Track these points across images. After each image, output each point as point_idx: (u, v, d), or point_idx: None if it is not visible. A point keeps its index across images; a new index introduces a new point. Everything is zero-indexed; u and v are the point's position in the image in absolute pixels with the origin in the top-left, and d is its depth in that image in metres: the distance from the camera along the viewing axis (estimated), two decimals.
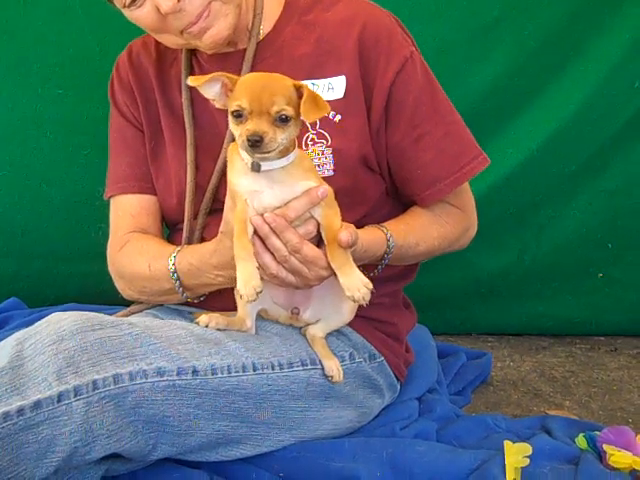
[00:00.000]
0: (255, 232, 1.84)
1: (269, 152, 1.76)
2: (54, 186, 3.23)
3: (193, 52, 2.25)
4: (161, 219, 2.34)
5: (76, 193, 3.23)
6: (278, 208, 1.84)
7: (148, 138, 2.29)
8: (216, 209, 2.17)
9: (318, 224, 1.87)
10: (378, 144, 2.13)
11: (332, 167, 2.09)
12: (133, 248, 2.24)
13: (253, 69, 2.14)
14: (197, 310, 2.24)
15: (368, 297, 1.83)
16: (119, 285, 2.31)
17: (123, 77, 2.33)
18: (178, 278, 2.09)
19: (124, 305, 2.47)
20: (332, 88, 2.10)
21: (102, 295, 3.04)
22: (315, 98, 1.78)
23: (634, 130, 3.34)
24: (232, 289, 2.04)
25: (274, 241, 1.83)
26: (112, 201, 2.37)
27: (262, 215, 1.82)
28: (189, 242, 2.21)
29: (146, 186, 2.30)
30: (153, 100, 2.29)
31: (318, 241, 1.90)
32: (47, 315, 2.88)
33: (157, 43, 2.29)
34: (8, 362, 1.72)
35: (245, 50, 2.16)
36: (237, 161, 1.86)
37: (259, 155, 1.77)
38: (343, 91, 2.10)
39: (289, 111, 1.75)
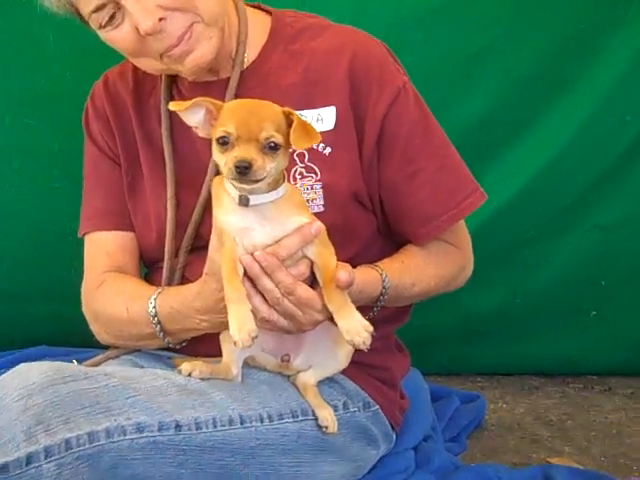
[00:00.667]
0: (245, 272, 1.69)
1: (257, 182, 1.62)
2: (23, 222, 3.06)
3: (173, 80, 2.11)
4: (139, 257, 2.19)
5: (46, 230, 3.06)
6: (269, 246, 1.69)
7: (125, 171, 2.15)
8: (198, 246, 2.03)
9: (311, 264, 1.73)
10: (370, 179, 2.01)
11: (322, 202, 1.96)
12: (109, 289, 2.09)
13: (237, 98, 2.00)
14: (178, 356, 2.08)
15: (369, 341, 1.69)
16: (94, 328, 2.16)
17: (98, 106, 2.19)
18: (159, 322, 1.94)
19: (99, 348, 2.31)
20: (321, 119, 1.97)
21: (75, 337, 2.86)
22: (305, 126, 1.66)
23: (627, 163, 3.27)
24: (217, 333, 1.90)
25: (266, 282, 1.69)
26: (86, 238, 2.22)
27: (252, 254, 1.68)
28: (169, 282, 2.07)
29: (122, 222, 2.16)
30: (130, 131, 2.14)
31: (311, 282, 1.76)
32: (16, 357, 2.81)
33: (135, 72, 2.16)
34: None
35: (228, 79, 2.03)
36: (224, 196, 1.72)
37: (247, 186, 1.63)
38: (333, 122, 1.97)
39: (278, 138, 1.62)
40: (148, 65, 1.99)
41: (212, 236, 1.77)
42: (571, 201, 3.27)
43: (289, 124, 1.64)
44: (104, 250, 2.15)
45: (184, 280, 2.05)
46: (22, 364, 1.72)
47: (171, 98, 2.10)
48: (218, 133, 1.62)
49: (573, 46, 3.12)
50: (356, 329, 1.68)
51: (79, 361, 2.17)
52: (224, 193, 1.71)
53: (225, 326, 1.72)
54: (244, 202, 1.67)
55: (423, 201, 2.01)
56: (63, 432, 1.58)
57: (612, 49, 3.12)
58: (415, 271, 2.01)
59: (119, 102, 2.16)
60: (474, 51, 3.10)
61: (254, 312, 1.69)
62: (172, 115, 2.07)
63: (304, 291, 1.71)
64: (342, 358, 1.92)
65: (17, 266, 3.09)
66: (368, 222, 2.05)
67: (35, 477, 1.54)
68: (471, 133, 3.13)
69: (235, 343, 1.63)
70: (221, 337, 1.89)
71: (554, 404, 3.24)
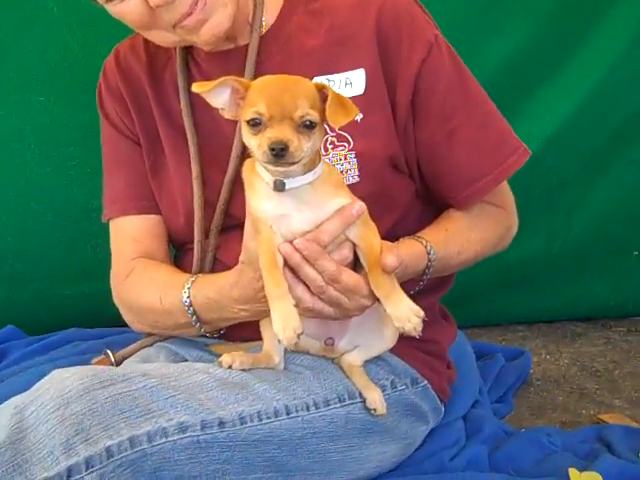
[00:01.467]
0: (285, 262, 1.60)
1: (294, 163, 1.51)
2: (44, 202, 2.98)
3: (188, 51, 2.00)
4: (167, 241, 2.11)
5: (68, 208, 2.98)
6: (308, 232, 1.59)
7: (146, 152, 2.05)
8: (229, 226, 1.95)
9: (354, 246, 1.63)
10: (406, 142, 1.89)
11: (357, 173, 1.86)
12: (140, 277, 2.01)
13: (258, 66, 1.90)
14: (214, 341, 2.01)
15: (420, 327, 1.60)
16: (127, 317, 2.09)
17: (112, 84, 2.08)
18: (194, 312, 1.86)
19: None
20: (350, 83, 1.86)
21: (104, 317, 2.81)
22: (342, 100, 1.53)
23: None
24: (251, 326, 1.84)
25: (308, 271, 1.59)
26: (112, 224, 2.12)
27: (291, 242, 1.58)
28: (201, 264, 1.98)
29: (148, 205, 2.06)
30: (148, 108, 2.04)
31: (354, 265, 1.66)
32: (49, 342, 2.76)
33: (146, 44, 2.05)
34: (7, 436, 1.51)
35: (247, 46, 1.91)
36: (256, 182, 1.61)
37: (283, 169, 1.52)
38: (363, 86, 1.85)
39: (314, 116, 1.50)
40: (160, 38, 1.88)
41: (246, 223, 1.68)
42: (607, 139, 3.17)
43: (323, 99, 1.53)
44: (130, 236, 2.06)
45: (216, 262, 1.98)
46: (55, 371, 1.65)
47: (187, 70, 2.00)
48: (248, 114, 1.51)
49: None
50: (406, 315, 1.59)
51: (113, 351, 2.10)
52: (256, 178, 1.61)
53: (265, 314, 1.66)
54: (280, 187, 1.57)
55: (464, 162, 1.90)
56: (103, 440, 1.52)
57: None
58: (460, 238, 1.91)
59: (133, 78, 2.05)
60: None
61: (297, 302, 1.61)
62: (190, 90, 1.98)
63: (349, 277, 1.61)
64: (389, 337, 1.83)
65: (40, 247, 3.00)
66: (406, 187, 1.95)
67: None
68: (500, 76, 3.03)
69: (279, 341, 1.55)
70: (261, 324, 1.82)
71: (599, 352, 3.16)
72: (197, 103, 1.95)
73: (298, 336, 1.54)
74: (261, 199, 1.60)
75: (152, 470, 1.56)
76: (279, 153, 1.47)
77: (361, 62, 1.86)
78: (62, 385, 1.57)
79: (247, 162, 1.66)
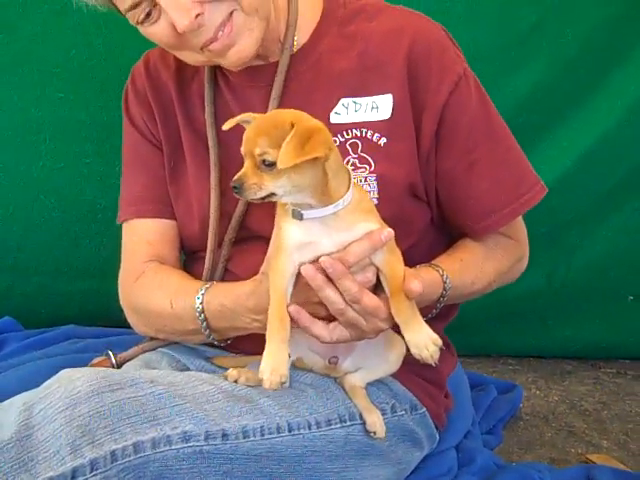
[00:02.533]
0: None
1: (253, 199, 1.56)
2: (53, 197, 2.98)
3: (217, 65, 2.01)
4: (180, 247, 2.12)
5: (77, 204, 2.99)
6: (334, 253, 1.62)
7: (167, 157, 2.07)
8: (243, 238, 1.96)
9: (377, 271, 1.66)
10: (427, 171, 1.92)
11: (376, 195, 1.87)
12: (151, 281, 2.01)
13: (287, 84, 1.93)
14: (216, 353, 2.02)
15: (437, 355, 1.64)
16: (132, 320, 2.09)
17: (139, 89, 2.10)
18: (205, 319, 1.87)
19: (128, 327, 2.25)
20: (376, 107, 1.88)
21: (104, 316, 2.84)
22: (303, 139, 1.51)
23: None
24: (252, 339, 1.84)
25: (328, 293, 1.62)
26: (125, 225, 2.13)
27: (317, 261, 1.60)
28: (211, 274, 1.99)
29: (164, 209, 2.08)
30: (173, 116, 2.06)
31: (374, 289, 1.69)
32: (45, 337, 2.76)
33: None
34: (15, 432, 1.51)
35: (277, 63, 1.94)
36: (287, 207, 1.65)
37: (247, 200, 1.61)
38: (390, 111, 1.87)
39: (271, 155, 1.52)
40: (190, 58, 1.90)
41: (273, 235, 1.70)
42: (613, 185, 3.19)
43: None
44: (144, 239, 2.07)
45: (227, 273, 1.99)
46: (64, 371, 1.66)
47: (215, 83, 2.02)
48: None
49: (626, 20, 3.00)
50: (425, 343, 1.63)
51: (114, 352, 2.11)
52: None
53: None
54: (297, 216, 1.60)
55: (483, 194, 1.93)
56: (109, 444, 1.53)
57: None
58: (474, 269, 1.94)
59: (161, 85, 2.08)
60: (522, 27, 2.99)
61: (317, 338, 1.67)
62: (216, 100, 2.00)
63: (370, 299, 1.64)
64: (394, 361, 1.86)
65: (46, 242, 3.01)
66: (423, 214, 1.97)
67: None
68: (518, 113, 3.04)
69: (263, 382, 1.58)
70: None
71: (588, 391, 3.18)
72: (221, 115, 1.97)
73: (281, 385, 1.57)
74: (292, 224, 1.62)
75: (154, 477, 1.57)
76: (236, 190, 1.54)
77: (389, 88, 1.88)
78: (71, 386, 1.58)
79: None
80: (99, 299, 2.96)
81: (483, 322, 3.32)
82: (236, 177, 1.53)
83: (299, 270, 1.62)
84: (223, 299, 1.84)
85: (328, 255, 1.60)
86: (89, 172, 2.96)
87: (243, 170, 1.54)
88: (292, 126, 1.52)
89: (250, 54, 1.85)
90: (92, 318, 2.92)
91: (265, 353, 1.59)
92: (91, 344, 2.60)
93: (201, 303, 1.86)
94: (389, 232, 1.62)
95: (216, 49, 1.82)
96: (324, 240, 1.61)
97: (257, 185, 1.53)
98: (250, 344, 1.92)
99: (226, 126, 1.63)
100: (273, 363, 1.58)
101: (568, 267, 3.28)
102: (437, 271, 1.82)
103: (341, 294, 1.62)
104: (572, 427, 2.83)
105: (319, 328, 1.66)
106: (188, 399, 1.66)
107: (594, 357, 3.48)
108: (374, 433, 1.85)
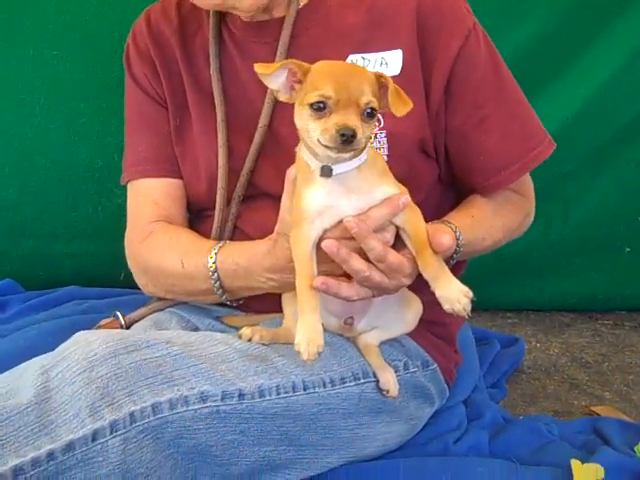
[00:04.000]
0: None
1: (358, 150, 1.52)
2: (49, 157, 2.94)
3: (222, 18, 1.98)
4: (186, 206, 2.09)
5: (73, 165, 2.95)
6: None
7: (172, 115, 2.03)
8: (251, 195, 1.95)
9: (397, 230, 1.65)
10: (437, 127, 1.90)
11: (386, 152, 1.85)
12: (160, 240, 1.99)
13: (293, 40, 1.89)
14: (227, 312, 2.01)
15: (469, 308, 1.62)
16: (141, 281, 2.07)
17: (141, 47, 2.06)
18: (219, 278, 1.85)
19: (130, 287, 2.25)
20: (386, 63, 1.85)
21: (102, 277, 2.82)
22: (399, 91, 1.55)
23: None
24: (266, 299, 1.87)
25: (353, 264, 1.60)
26: (130, 185, 2.10)
27: (343, 222, 1.59)
28: (220, 232, 1.98)
29: (170, 169, 2.05)
30: (177, 73, 2.02)
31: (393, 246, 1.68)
32: (47, 299, 2.74)
33: (178, 9, 2.04)
34: (34, 395, 1.49)
35: (283, 18, 1.90)
36: (306, 169, 1.60)
37: (347, 155, 1.53)
38: (400, 67, 1.85)
39: (376, 104, 1.50)
40: None
41: (284, 196, 1.68)
42: (609, 137, 3.20)
43: (380, 88, 1.54)
44: (151, 199, 2.04)
45: (236, 231, 1.97)
46: (79, 333, 1.65)
47: (220, 37, 1.98)
48: (312, 97, 1.49)
49: None
50: (456, 296, 1.61)
51: (122, 313, 2.09)
52: (307, 167, 1.60)
53: (292, 287, 1.66)
54: (327, 172, 1.56)
55: (492, 150, 1.91)
56: (128, 405, 1.51)
57: None
58: (485, 225, 1.93)
59: (163, 42, 2.03)
60: None
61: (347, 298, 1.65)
62: (221, 56, 1.97)
63: (394, 256, 1.62)
64: (410, 320, 1.85)
65: (43, 203, 2.98)
66: (431, 171, 1.96)
67: (100, 453, 1.47)
68: (514, 67, 2.90)
69: (300, 354, 1.56)
70: (284, 299, 1.82)
71: (588, 343, 3.20)
72: (227, 72, 1.95)
73: (319, 354, 1.56)
74: (312, 189, 1.59)
75: (172, 437, 1.55)
76: (349, 139, 1.46)
77: (399, 43, 1.85)
78: (88, 348, 1.56)
79: (300, 148, 1.64)
80: (97, 261, 2.95)
81: (481, 276, 3.25)
82: (345, 125, 1.46)
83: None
84: (237, 258, 1.82)
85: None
86: (85, 132, 2.91)
87: (352, 119, 1.47)
88: (377, 78, 1.53)
89: (267, 0, 1.82)
90: (90, 280, 2.89)
91: (299, 324, 1.58)
92: (96, 305, 2.58)
93: (214, 262, 1.85)
94: (406, 197, 1.61)
95: None
96: (344, 203, 1.59)
97: (364, 134, 1.49)
98: (262, 304, 1.92)
99: (260, 70, 1.55)
100: (308, 334, 1.56)
101: (564, 220, 3.30)
102: (450, 227, 1.81)
103: (363, 261, 1.61)
104: (574, 379, 2.85)
105: (346, 290, 1.64)
106: (204, 359, 1.65)
107: (591, 309, 3.51)
108: (387, 391, 1.85)
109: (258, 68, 1.55)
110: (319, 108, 1.49)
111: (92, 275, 2.92)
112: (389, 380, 1.85)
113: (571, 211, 3.30)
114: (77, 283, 2.88)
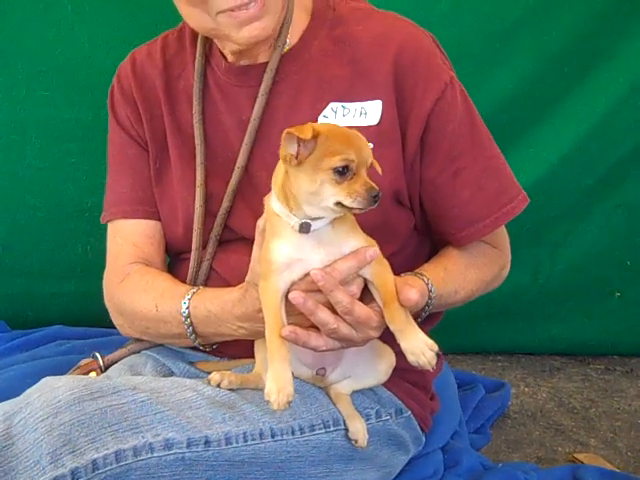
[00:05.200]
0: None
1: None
2: (39, 196, 2.98)
3: (207, 61, 2.01)
4: (165, 249, 2.10)
5: (62, 204, 2.98)
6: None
7: (152, 158, 2.05)
8: (227, 239, 1.96)
9: (364, 283, 1.66)
10: (412, 178, 1.91)
11: None
12: (136, 283, 2.00)
13: (275, 84, 1.92)
14: (201, 357, 2.02)
15: (434, 361, 1.62)
16: (117, 321, 2.08)
17: (126, 89, 2.08)
18: (191, 324, 1.86)
19: (114, 328, 2.24)
20: (365, 113, 1.87)
21: (90, 317, 2.82)
22: None
23: None
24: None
25: (320, 316, 1.62)
26: (110, 225, 2.12)
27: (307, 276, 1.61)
28: (196, 274, 1.99)
29: (150, 210, 2.07)
30: (159, 116, 2.04)
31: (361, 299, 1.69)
32: (32, 338, 2.75)
33: (163, 52, 2.07)
34: None
35: (266, 64, 1.92)
36: (279, 224, 1.62)
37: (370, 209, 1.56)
38: (379, 117, 1.86)
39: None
40: (198, 20, 1.86)
41: (254, 246, 1.70)
42: (595, 181, 3.22)
43: None
44: (130, 240, 2.06)
45: (212, 273, 1.98)
46: (45, 379, 1.65)
47: (204, 81, 2.00)
48: (336, 162, 1.51)
49: (609, 17, 3.02)
50: (421, 349, 1.61)
51: (101, 354, 2.10)
52: (280, 221, 1.62)
53: (262, 334, 1.67)
54: (306, 229, 1.59)
55: (466, 203, 1.92)
56: (90, 452, 1.51)
57: None
58: (458, 277, 1.93)
59: (147, 85, 2.06)
60: (504, 24, 3.00)
61: (315, 349, 1.67)
62: (204, 99, 1.99)
63: (362, 310, 1.63)
64: (382, 371, 1.86)
65: (32, 242, 3.00)
66: (406, 220, 1.97)
67: None
68: (501, 110, 3.07)
69: (270, 403, 1.56)
70: (256, 344, 1.83)
71: (576, 388, 3.19)
72: (208, 114, 1.97)
73: (289, 403, 1.56)
74: (282, 242, 1.61)
75: None
76: (377, 198, 1.52)
77: (378, 94, 1.87)
78: (52, 394, 1.56)
79: (268, 198, 1.66)
80: (86, 300, 2.93)
81: (471, 320, 3.32)
82: (374, 186, 1.53)
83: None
84: (209, 305, 1.83)
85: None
86: (75, 172, 2.94)
87: (368, 179, 1.54)
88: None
89: (266, 35, 1.85)
90: (79, 320, 2.90)
91: (269, 374, 1.58)
92: (77, 345, 2.60)
93: (187, 308, 1.86)
94: (374, 251, 1.62)
95: (241, 17, 1.79)
96: (313, 256, 1.61)
97: None
98: (235, 349, 1.93)
99: (306, 134, 1.52)
100: (278, 383, 1.57)
101: (553, 264, 3.30)
102: (422, 279, 1.81)
103: (331, 313, 1.62)
104: (560, 425, 2.84)
105: (315, 340, 1.65)
106: (170, 406, 1.65)
107: (583, 353, 3.49)
108: (355, 441, 1.85)
109: (296, 131, 1.52)
110: (343, 172, 1.52)
111: (80, 315, 2.93)
112: (358, 430, 1.85)
113: (559, 255, 3.30)
114: (65, 322, 2.90)
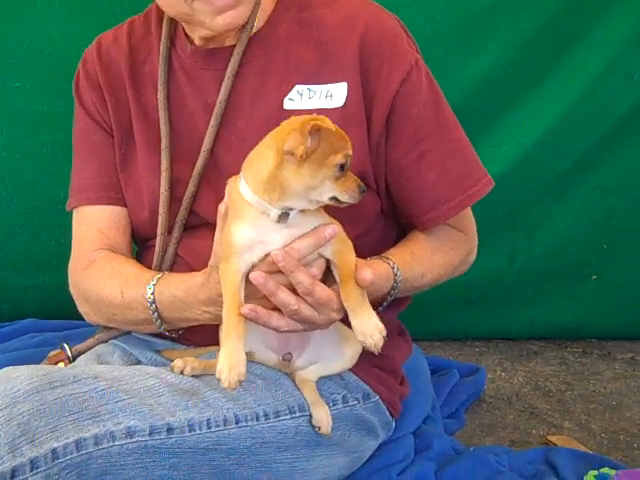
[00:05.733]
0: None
1: None
2: (10, 188, 2.98)
3: (172, 45, 2.00)
4: (131, 234, 2.10)
5: (36, 196, 2.98)
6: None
7: (118, 143, 2.04)
8: (192, 225, 1.96)
9: (326, 263, 1.68)
10: (377, 160, 1.91)
11: None
12: (102, 269, 1.99)
13: (242, 67, 1.91)
14: (168, 345, 2.02)
15: (381, 344, 1.64)
16: (82, 308, 2.08)
17: (91, 74, 2.07)
18: (157, 309, 1.86)
19: None
20: (330, 95, 1.86)
21: (64, 309, 2.79)
22: None
23: (631, 125, 3.23)
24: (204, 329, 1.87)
25: (281, 297, 1.62)
26: (76, 212, 2.11)
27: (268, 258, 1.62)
28: (162, 259, 1.98)
29: (116, 197, 2.05)
30: (124, 101, 2.03)
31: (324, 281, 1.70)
32: (5, 331, 2.74)
33: (129, 36, 2.05)
34: None
35: (233, 47, 1.91)
36: (245, 208, 1.62)
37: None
38: (344, 99, 1.86)
39: None
40: (173, 4, 1.85)
41: (217, 230, 1.70)
42: (571, 164, 3.23)
43: None
44: (95, 227, 2.05)
45: (177, 259, 1.98)
46: (4, 369, 1.64)
47: (169, 65, 1.99)
48: (340, 159, 1.56)
49: (579, 5, 3.04)
50: (370, 331, 1.63)
51: (70, 345, 2.09)
52: (245, 205, 1.62)
53: None
54: (284, 219, 1.61)
55: (431, 185, 1.92)
56: (50, 442, 1.51)
57: (619, 8, 3.05)
58: (425, 261, 1.94)
59: (113, 70, 2.05)
60: (478, 8, 3.02)
61: (276, 329, 1.67)
62: (169, 83, 1.99)
63: (322, 290, 1.64)
64: (349, 357, 1.87)
65: (5, 235, 3.00)
66: (372, 203, 1.96)
67: None
68: (475, 95, 3.08)
69: (220, 381, 1.57)
70: (221, 330, 1.82)
71: (553, 372, 3.20)
72: (174, 98, 1.97)
73: (240, 383, 1.57)
74: (244, 224, 1.62)
75: (98, 473, 1.55)
76: (364, 192, 1.61)
77: (343, 76, 1.87)
78: (10, 384, 1.56)
79: (234, 186, 1.66)
80: (60, 293, 2.91)
81: (448, 306, 3.34)
82: (360, 182, 1.60)
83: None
84: (174, 290, 1.83)
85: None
86: (47, 163, 2.94)
87: (353, 175, 1.60)
88: None
89: (241, 23, 1.85)
90: (53, 312, 2.89)
91: (222, 352, 1.59)
92: (49, 338, 2.60)
93: (152, 293, 1.86)
94: (333, 228, 1.63)
95: (218, 5, 1.79)
96: (275, 238, 1.62)
97: None
98: (200, 336, 1.93)
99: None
100: (230, 362, 1.57)
101: (529, 247, 3.31)
102: (388, 263, 1.82)
103: (292, 294, 1.62)
104: (535, 409, 2.85)
105: (276, 320, 1.66)
106: (132, 394, 1.65)
107: (561, 337, 3.51)
108: (319, 428, 1.85)
109: (307, 132, 1.54)
110: (342, 169, 1.57)
111: (54, 307, 2.91)
112: (322, 417, 1.84)
113: (535, 239, 3.31)
114: (39, 315, 2.90)
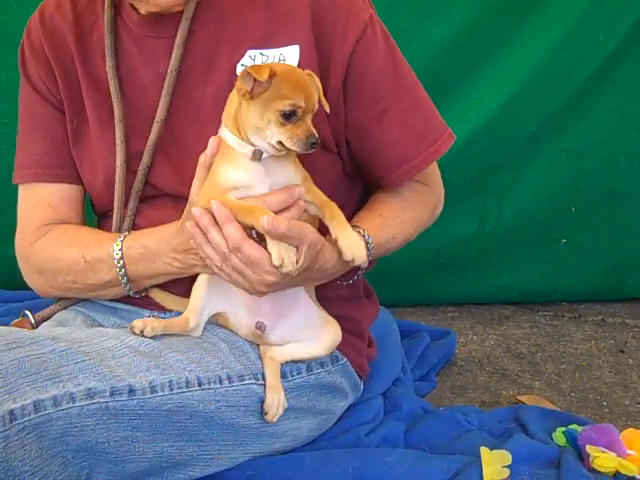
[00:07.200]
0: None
1: None
2: None
3: (118, 12, 1.93)
4: (83, 210, 2.05)
5: None
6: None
7: (69, 118, 1.97)
8: (148, 195, 1.92)
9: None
10: (336, 122, 1.87)
11: None
12: (57, 239, 1.96)
13: (191, 34, 1.86)
14: (132, 312, 1.99)
15: (367, 260, 1.74)
16: (35, 282, 2.04)
17: (36, 44, 1.99)
18: (124, 265, 1.85)
19: None
20: (284, 59, 1.82)
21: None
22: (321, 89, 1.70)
23: (597, 86, 3.23)
24: (179, 285, 1.89)
25: (213, 235, 1.63)
26: (22, 188, 2.06)
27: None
28: (119, 230, 1.95)
29: (64, 174, 2.00)
30: (73, 72, 1.96)
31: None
32: None
33: (74, 4, 1.97)
34: None
35: (180, 13, 1.86)
36: (232, 154, 1.68)
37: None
38: (296, 62, 1.81)
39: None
40: None
41: (195, 180, 1.71)
42: (539, 127, 3.25)
43: None
44: (46, 202, 2.00)
45: (135, 229, 1.94)
46: None
47: (116, 33, 1.93)
48: (285, 105, 1.59)
49: None
50: (357, 245, 1.71)
51: (32, 312, 2.06)
52: (229, 149, 1.68)
53: (193, 270, 1.77)
54: (258, 156, 1.66)
55: (394, 143, 1.89)
56: (7, 403, 1.48)
57: None
58: (394, 222, 1.91)
59: (58, 39, 1.96)
60: None
61: (206, 258, 1.70)
62: (118, 52, 1.92)
63: (251, 248, 1.61)
64: (325, 344, 1.88)
65: None
66: (333, 166, 1.93)
67: None
68: (440, 58, 3.07)
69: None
70: (194, 285, 1.83)
71: (524, 334, 3.22)
72: (124, 67, 1.91)
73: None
74: (233, 167, 1.67)
75: (57, 435, 1.52)
76: (315, 144, 1.61)
77: (295, 39, 1.82)
78: None
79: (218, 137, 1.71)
80: None
81: (419, 272, 3.34)
82: (314, 134, 1.61)
83: None
84: (145, 241, 1.84)
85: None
86: (7, 133, 2.88)
87: (312, 127, 1.62)
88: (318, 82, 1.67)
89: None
90: (18, 283, 2.83)
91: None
92: (14, 307, 2.56)
93: (120, 249, 1.84)
94: (301, 190, 1.67)
95: None
96: (260, 185, 1.67)
97: None
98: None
99: (262, 76, 1.59)
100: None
101: (499, 212, 3.33)
102: (359, 232, 1.79)
103: (223, 238, 1.63)
104: (506, 370, 2.86)
105: (210, 250, 1.68)
106: (92, 355, 1.63)
107: (532, 301, 3.53)
108: (266, 413, 1.81)
109: (253, 71, 1.58)
110: (289, 116, 1.59)
111: (19, 278, 2.86)
112: (273, 403, 1.81)
113: (505, 203, 3.33)
114: (3, 286, 2.85)
